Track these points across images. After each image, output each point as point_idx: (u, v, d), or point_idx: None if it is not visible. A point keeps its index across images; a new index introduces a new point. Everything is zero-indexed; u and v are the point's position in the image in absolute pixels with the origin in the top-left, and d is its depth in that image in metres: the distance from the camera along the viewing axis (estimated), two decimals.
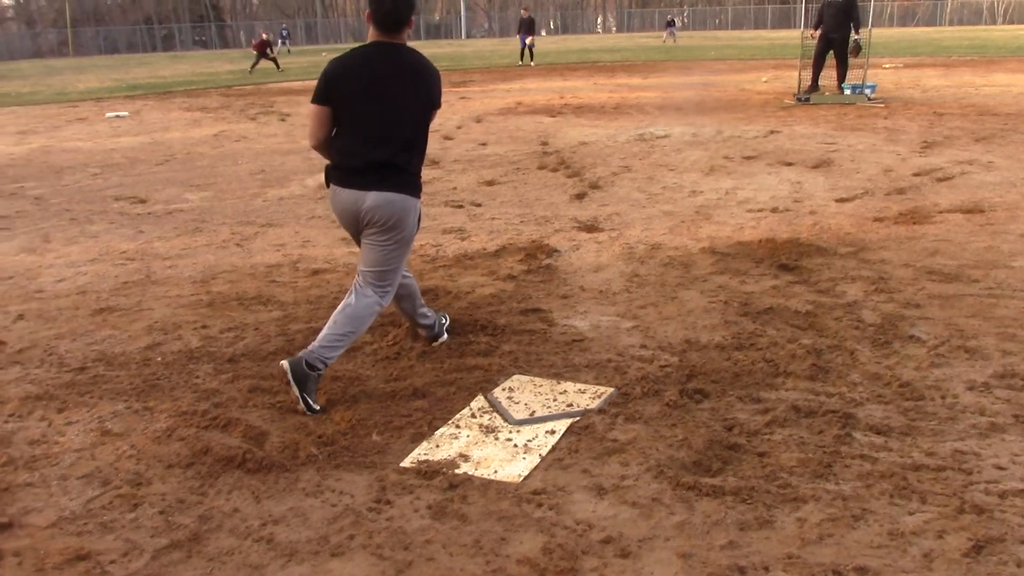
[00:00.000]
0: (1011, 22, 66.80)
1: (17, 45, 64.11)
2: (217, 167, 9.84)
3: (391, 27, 3.54)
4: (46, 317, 4.80)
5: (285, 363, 3.52)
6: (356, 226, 3.68)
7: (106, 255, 6.11)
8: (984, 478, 2.84)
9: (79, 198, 8.24)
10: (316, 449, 3.22)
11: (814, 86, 14.00)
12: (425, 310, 4.18)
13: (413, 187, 3.67)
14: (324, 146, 3.67)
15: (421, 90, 3.63)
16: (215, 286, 5.27)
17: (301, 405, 3.51)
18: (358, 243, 3.81)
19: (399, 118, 3.58)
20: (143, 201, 7.98)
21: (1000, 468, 2.89)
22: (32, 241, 6.59)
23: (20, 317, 4.81)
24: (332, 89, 3.57)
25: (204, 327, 4.56)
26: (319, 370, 3.56)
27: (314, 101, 3.59)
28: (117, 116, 15.82)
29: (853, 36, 13.24)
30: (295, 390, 3.51)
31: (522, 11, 30.46)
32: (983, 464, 2.92)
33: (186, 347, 4.28)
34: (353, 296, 3.70)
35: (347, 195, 3.61)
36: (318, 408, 3.52)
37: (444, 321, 4.30)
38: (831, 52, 13.75)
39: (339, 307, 3.71)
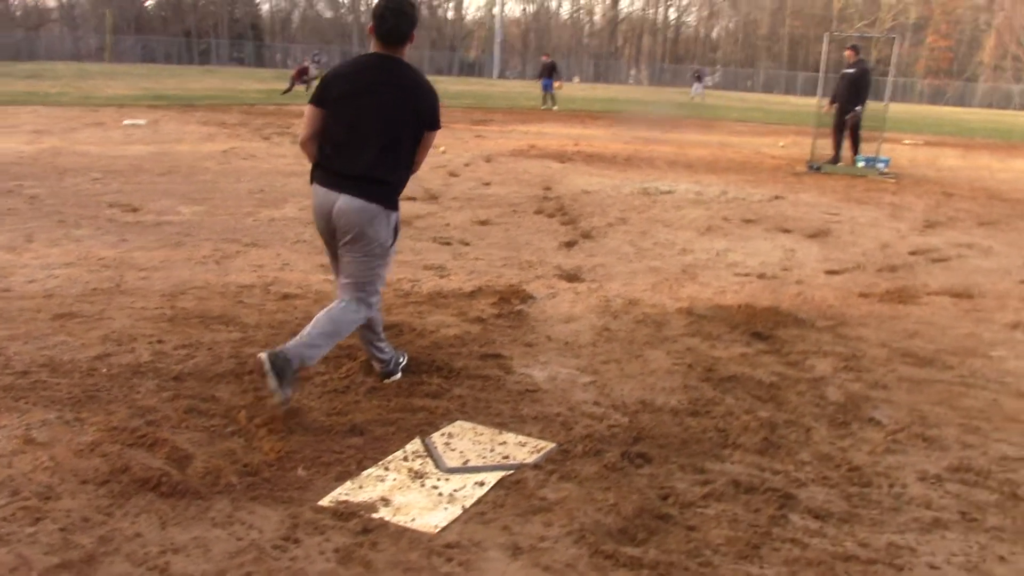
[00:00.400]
0: None
1: (57, 47, 65.13)
2: (218, 183, 9.85)
3: (392, 41, 3.72)
4: (5, 317, 4.75)
5: (263, 355, 3.49)
6: (328, 227, 3.76)
7: (83, 260, 6.08)
8: None
9: (73, 201, 8.24)
10: (236, 479, 3.14)
11: (836, 157, 14.06)
12: (383, 344, 4.13)
13: (386, 198, 3.72)
14: (309, 144, 3.79)
15: (410, 104, 3.72)
16: (182, 301, 5.22)
17: (277, 397, 3.47)
18: (329, 250, 3.89)
19: (382, 128, 3.68)
20: (135, 210, 7.98)
21: (933, 567, 2.77)
22: (14, 240, 6.58)
23: None
24: (326, 92, 3.75)
25: (159, 342, 4.49)
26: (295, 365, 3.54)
27: (310, 102, 3.79)
28: (134, 124, 15.96)
29: (857, 107, 13.35)
30: (272, 381, 3.45)
31: (543, 57, 31.44)
32: (916, 561, 2.80)
33: (135, 360, 4.21)
34: (337, 301, 3.78)
35: (323, 194, 3.72)
36: (291, 394, 3.52)
37: (401, 360, 4.23)
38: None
39: (324, 309, 3.77)
